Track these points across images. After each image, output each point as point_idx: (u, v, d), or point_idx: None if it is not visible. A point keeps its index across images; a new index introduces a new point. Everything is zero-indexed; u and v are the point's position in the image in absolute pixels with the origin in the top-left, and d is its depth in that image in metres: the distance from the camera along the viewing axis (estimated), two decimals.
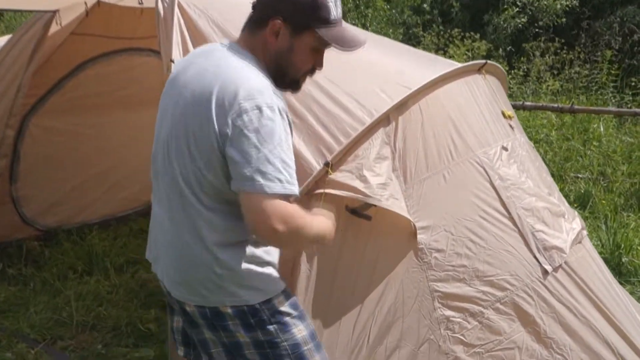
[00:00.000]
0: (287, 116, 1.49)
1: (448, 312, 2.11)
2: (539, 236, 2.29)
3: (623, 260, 3.61)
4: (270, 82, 1.51)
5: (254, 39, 1.57)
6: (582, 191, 4.92)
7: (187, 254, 1.56)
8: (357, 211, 1.98)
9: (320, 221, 1.59)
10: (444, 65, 2.59)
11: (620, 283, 2.96)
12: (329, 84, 2.20)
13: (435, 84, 2.28)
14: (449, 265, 2.12)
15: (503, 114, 2.59)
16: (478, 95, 2.48)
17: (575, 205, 4.51)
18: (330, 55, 1.62)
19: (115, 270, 3.64)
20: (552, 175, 2.82)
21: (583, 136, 6.13)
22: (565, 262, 2.30)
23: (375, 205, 1.97)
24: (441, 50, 8.85)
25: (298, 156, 2.03)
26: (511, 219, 2.26)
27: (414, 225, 2.08)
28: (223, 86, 1.45)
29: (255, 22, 1.58)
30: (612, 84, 7.43)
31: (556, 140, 6.01)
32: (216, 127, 1.43)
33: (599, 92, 7.44)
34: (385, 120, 2.13)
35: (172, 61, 2.46)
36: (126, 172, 4.09)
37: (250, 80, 1.46)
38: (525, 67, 7.99)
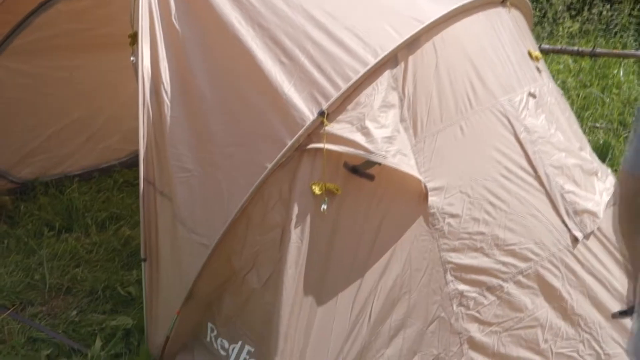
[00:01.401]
0: None
1: (462, 286, 1.85)
2: (569, 198, 1.99)
3: None
4: None
5: None
6: (601, 142, 4.56)
7: None
8: (358, 169, 1.76)
9: None
10: None
11: None
12: (326, 17, 1.90)
13: (453, 17, 1.96)
14: (464, 233, 1.85)
15: (530, 54, 2.24)
16: (502, 31, 2.13)
17: None
18: None
19: (96, 227, 3.38)
20: None
21: (602, 82, 5.73)
22: (598, 228, 2.02)
23: (379, 163, 1.72)
24: None
25: (288, 104, 1.73)
26: (538, 178, 1.98)
27: (425, 186, 1.81)
28: None
29: None
30: (633, 27, 6.95)
31: (574, 87, 5.62)
32: None
33: (618, 36, 6.95)
34: (392, 60, 1.82)
35: None
36: (105, 119, 3.79)
37: None
38: (541, 6, 7.47)
